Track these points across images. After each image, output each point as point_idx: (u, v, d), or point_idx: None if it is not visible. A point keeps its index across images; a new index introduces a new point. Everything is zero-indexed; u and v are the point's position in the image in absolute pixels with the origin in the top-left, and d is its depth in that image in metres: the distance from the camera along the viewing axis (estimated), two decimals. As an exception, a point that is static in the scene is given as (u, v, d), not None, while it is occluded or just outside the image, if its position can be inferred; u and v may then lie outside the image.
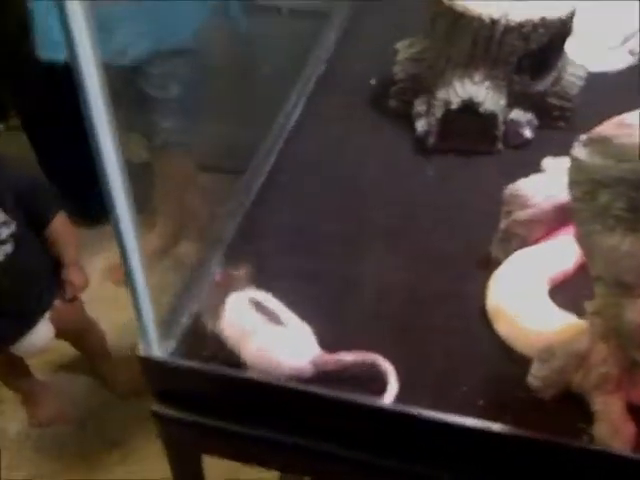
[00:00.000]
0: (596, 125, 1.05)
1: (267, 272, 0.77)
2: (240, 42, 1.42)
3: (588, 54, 1.15)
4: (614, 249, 0.58)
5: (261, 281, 0.74)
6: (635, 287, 0.58)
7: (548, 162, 0.88)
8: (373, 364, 0.69)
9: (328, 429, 0.67)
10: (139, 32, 1.55)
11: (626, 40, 1.20)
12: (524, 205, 0.78)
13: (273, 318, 0.70)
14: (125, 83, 1.67)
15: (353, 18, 1.30)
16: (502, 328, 0.73)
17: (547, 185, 0.79)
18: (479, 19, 0.91)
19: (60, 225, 1.39)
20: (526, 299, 0.73)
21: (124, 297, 2.07)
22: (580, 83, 1.00)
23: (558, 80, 0.99)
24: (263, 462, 0.75)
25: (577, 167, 0.60)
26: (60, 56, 1.54)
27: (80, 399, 1.77)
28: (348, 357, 0.69)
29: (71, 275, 1.43)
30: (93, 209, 2.16)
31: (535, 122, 1.01)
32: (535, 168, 0.95)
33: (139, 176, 2.31)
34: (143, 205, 2.21)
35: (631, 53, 1.21)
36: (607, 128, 0.57)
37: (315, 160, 0.98)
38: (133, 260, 0.57)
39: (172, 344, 0.70)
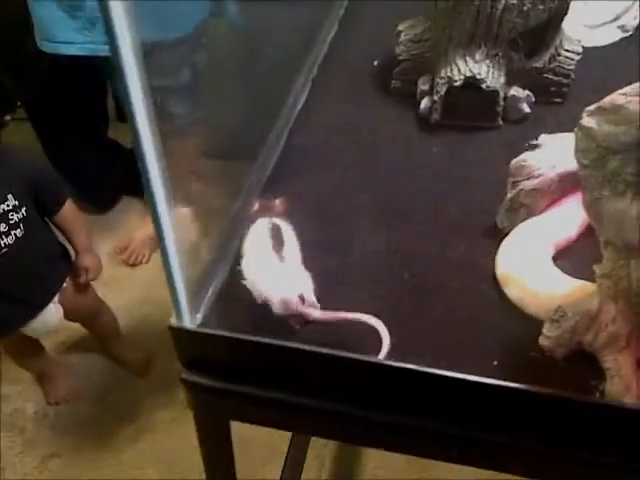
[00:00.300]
0: (591, 98, 1.09)
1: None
2: (241, 29, 1.44)
3: (579, 30, 1.18)
4: (623, 213, 0.61)
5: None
6: (643, 248, 0.62)
7: (544, 138, 0.92)
8: (365, 323, 0.72)
9: (355, 392, 0.70)
10: (143, 22, 1.55)
11: (617, 17, 1.23)
12: (530, 175, 0.82)
13: (280, 249, 0.76)
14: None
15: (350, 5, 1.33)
16: (513, 292, 0.76)
17: (551, 156, 0.83)
18: (481, -2, 0.94)
19: (69, 212, 1.42)
20: (535, 265, 0.77)
21: (129, 278, 2.13)
22: (576, 59, 1.03)
23: (555, 57, 1.03)
24: (289, 426, 0.78)
25: (586, 135, 0.64)
26: (62, 50, 1.55)
27: (94, 377, 1.81)
28: (339, 314, 0.73)
29: (85, 261, 1.48)
30: (97, 198, 2.19)
31: (532, 98, 1.04)
32: (533, 142, 1.00)
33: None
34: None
35: (622, 29, 1.25)
36: (618, 97, 0.60)
37: (324, 139, 1.01)
38: (166, 232, 0.60)
39: (200, 315, 0.73)
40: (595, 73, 1.10)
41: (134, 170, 2.04)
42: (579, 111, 1.04)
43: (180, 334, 0.69)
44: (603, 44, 1.22)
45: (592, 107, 0.65)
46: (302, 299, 0.73)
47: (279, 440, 1.42)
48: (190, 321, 0.70)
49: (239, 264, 0.77)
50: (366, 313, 0.73)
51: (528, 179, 0.81)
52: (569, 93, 1.07)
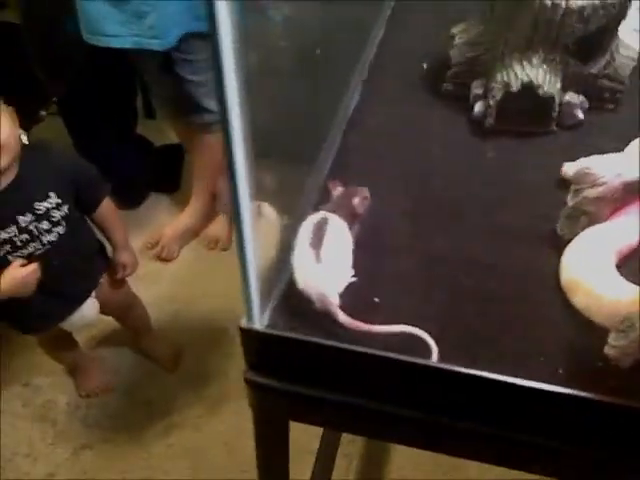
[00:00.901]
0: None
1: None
2: (282, 27, 1.44)
3: (629, 34, 1.17)
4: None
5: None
6: None
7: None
8: (410, 335, 0.71)
9: (422, 397, 0.70)
10: (168, 16, 1.56)
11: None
12: (594, 183, 0.81)
13: (319, 245, 0.76)
14: (160, 68, 1.69)
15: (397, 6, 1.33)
16: (579, 300, 0.76)
17: (616, 164, 0.83)
18: (541, 2, 0.93)
19: (108, 209, 1.43)
20: (600, 272, 0.77)
21: (159, 274, 2.13)
22: (632, 65, 1.03)
23: (610, 62, 1.02)
24: (347, 427, 0.78)
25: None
26: (109, 42, 1.56)
27: (125, 371, 1.82)
28: (374, 327, 0.72)
29: (123, 257, 1.49)
30: (127, 194, 2.20)
31: (586, 104, 1.04)
32: (588, 147, 0.99)
33: (171, 156, 2.35)
34: (176, 184, 2.25)
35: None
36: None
37: (378, 142, 1.01)
38: (246, 233, 0.60)
39: (267, 316, 0.73)
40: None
41: (163, 167, 2.07)
42: (632, 117, 1.05)
43: (250, 335, 0.70)
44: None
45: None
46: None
47: (307, 439, 1.43)
48: (259, 322, 0.70)
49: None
50: (423, 319, 0.73)
51: (592, 187, 0.81)
52: (621, 99, 1.06)
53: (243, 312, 0.70)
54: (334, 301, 0.74)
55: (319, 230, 0.78)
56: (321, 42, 1.14)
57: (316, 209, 0.83)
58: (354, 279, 0.79)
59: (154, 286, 2.01)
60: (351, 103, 1.06)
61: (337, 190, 0.86)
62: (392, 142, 1.01)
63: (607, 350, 0.71)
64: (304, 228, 0.79)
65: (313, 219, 0.80)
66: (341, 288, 0.76)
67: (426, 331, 0.72)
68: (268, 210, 1.54)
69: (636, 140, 0.94)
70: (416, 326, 0.72)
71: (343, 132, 1.01)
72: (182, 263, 2.14)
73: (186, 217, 2.11)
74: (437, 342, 0.71)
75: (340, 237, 0.80)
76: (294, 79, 1.46)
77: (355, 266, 0.80)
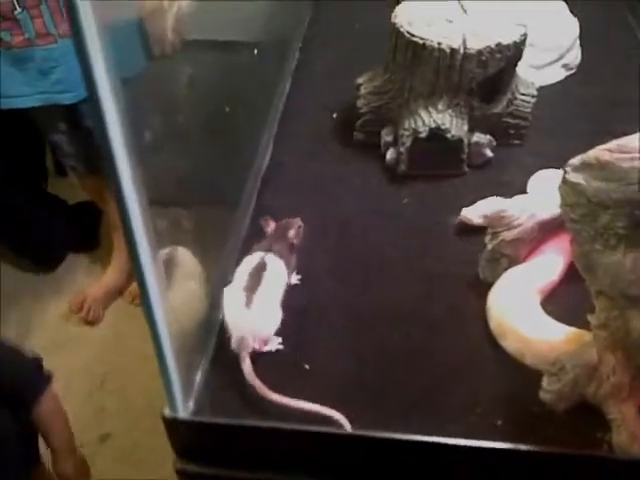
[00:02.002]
0: (548, 139, 1.11)
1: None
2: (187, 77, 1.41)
3: (526, 71, 1.21)
4: (618, 265, 0.62)
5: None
6: (640, 299, 0.62)
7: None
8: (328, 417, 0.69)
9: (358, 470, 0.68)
10: (74, 68, 1.52)
11: (561, 57, 1.27)
12: (510, 225, 0.82)
13: (254, 289, 0.77)
14: (69, 123, 1.64)
15: (302, 52, 1.33)
16: (509, 344, 0.76)
17: (528, 204, 0.84)
18: (440, 49, 0.95)
19: (46, 409, 1.17)
20: (527, 314, 0.77)
21: (87, 337, 2.00)
22: (533, 101, 1.06)
23: (512, 101, 1.05)
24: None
25: (574, 191, 0.64)
26: (15, 104, 1.50)
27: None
28: (304, 405, 0.70)
29: (63, 467, 1.22)
30: (42, 256, 2.11)
31: (494, 142, 1.05)
32: (499, 185, 1.01)
33: (87, 214, 2.24)
34: (94, 242, 2.13)
35: (566, 68, 1.29)
36: (603, 153, 0.61)
37: (294, 198, 0.99)
38: (161, 328, 0.57)
39: (191, 403, 0.69)
40: (546, 112, 1.13)
41: (79, 225, 1.97)
42: (538, 150, 1.07)
43: (175, 424, 0.65)
44: (550, 82, 1.25)
45: (575, 162, 0.65)
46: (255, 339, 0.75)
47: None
48: (183, 410, 0.66)
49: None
50: (353, 385, 0.71)
51: (508, 229, 0.82)
52: (526, 134, 1.09)
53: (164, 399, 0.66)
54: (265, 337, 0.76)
55: (257, 274, 0.79)
56: (229, 98, 1.12)
57: (249, 248, 0.84)
58: (281, 347, 0.77)
59: (82, 351, 1.92)
60: (263, 160, 1.05)
61: (270, 226, 0.87)
62: (307, 197, 1.00)
63: (542, 395, 0.71)
64: (241, 271, 0.80)
65: (251, 262, 0.81)
66: (271, 332, 0.78)
67: (357, 397, 0.70)
68: (186, 256, 1.48)
69: (534, 176, 0.96)
70: (347, 392, 0.70)
71: (258, 191, 0.99)
72: (109, 324, 2.05)
73: (110, 276, 2.04)
74: (370, 407, 0.70)
75: (276, 282, 0.80)
76: (204, 137, 1.44)
77: (283, 330, 0.78)
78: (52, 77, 1.50)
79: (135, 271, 0.56)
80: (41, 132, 1.87)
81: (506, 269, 0.83)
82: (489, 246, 0.84)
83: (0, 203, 1.98)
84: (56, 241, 2.16)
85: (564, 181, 0.65)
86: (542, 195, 0.86)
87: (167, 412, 0.65)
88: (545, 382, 0.71)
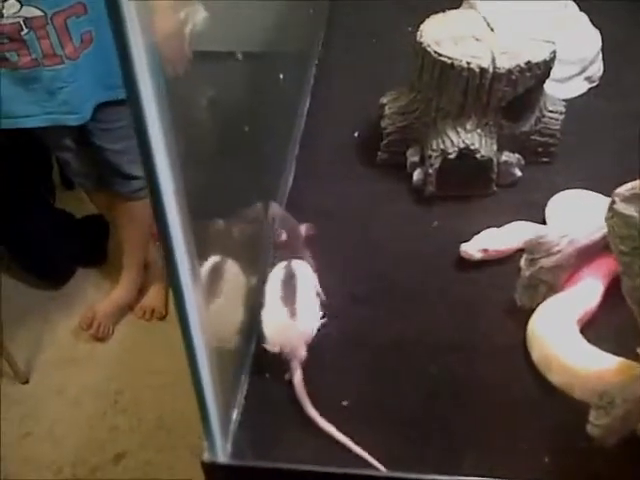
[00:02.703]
0: (578, 155, 1.09)
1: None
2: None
3: (550, 85, 1.19)
4: (672, 299, 0.60)
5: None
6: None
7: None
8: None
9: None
10: (81, 89, 1.51)
11: (584, 69, 1.25)
12: (549, 252, 0.80)
13: (290, 298, 0.77)
14: (77, 141, 1.63)
15: (319, 69, 1.31)
16: (555, 377, 0.74)
17: (565, 229, 0.82)
18: (469, 69, 0.92)
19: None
20: (572, 345, 0.75)
21: (98, 354, 1.99)
22: (561, 118, 1.04)
23: (540, 119, 1.03)
24: None
25: (624, 223, 0.62)
26: (22, 124, 1.49)
27: None
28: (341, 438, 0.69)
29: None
30: (51, 271, 2.09)
31: (522, 161, 1.03)
32: (529, 204, 0.99)
33: (95, 227, 2.22)
34: (103, 256, 2.12)
35: (589, 81, 1.27)
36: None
37: (320, 225, 0.95)
38: (204, 376, 0.54)
39: (229, 445, 0.67)
40: (571, 127, 1.11)
41: (87, 239, 1.94)
42: (568, 169, 1.05)
43: (214, 470, 0.63)
44: (573, 96, 1.23)
45: (623, 191, 0.63)
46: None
47: None
48: (223, 453, 0.64)
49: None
50: (395, 424, 0.70)
51: (547, 256, 0.79)
52: (555, 152, 1.06)
53: (203, 441, 0.64)
54: (301, 359, 0.75)
55: (289, 282, 0.79)
56: (248, 118, 1.10)
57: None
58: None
59: (93, 368, 1.90)
60: (286, 183, 1.02)
61: (282, 236, 0.88)
62: (333, 223, 0.97)
63: (590, 430, 0.69)
64: (271, 287, 0.80)
65: (277, 274, 0.81)
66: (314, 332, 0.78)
67: (401, 436, 0.67)
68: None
69: (553, 199, 0.94)
70: (386, 429, 0.69)
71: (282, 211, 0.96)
72: (119, 339, 2.03)
73: (120, 291, 2.03)
74: (410, 445, 0.68)
75: (309, 285, 0.81)
76: (223, 159, 1.41)
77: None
78: (59, 98, 1.48)
79: (176, 305, 0.54)
80: (48, 148, 1.86)
81: (544, 295, 0.81)
82: (527, 272, 0.81)
83: (5, 218, 1.96)
84: (62, 256, 2.14)
85: (613, 212, 0.63)
86: (562, 219, 0.85)
87: (206, 456, 0.63)
88: (593, 416, 0.68)
